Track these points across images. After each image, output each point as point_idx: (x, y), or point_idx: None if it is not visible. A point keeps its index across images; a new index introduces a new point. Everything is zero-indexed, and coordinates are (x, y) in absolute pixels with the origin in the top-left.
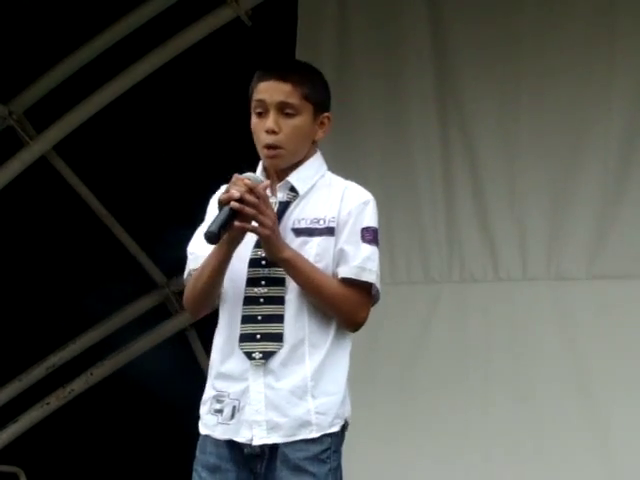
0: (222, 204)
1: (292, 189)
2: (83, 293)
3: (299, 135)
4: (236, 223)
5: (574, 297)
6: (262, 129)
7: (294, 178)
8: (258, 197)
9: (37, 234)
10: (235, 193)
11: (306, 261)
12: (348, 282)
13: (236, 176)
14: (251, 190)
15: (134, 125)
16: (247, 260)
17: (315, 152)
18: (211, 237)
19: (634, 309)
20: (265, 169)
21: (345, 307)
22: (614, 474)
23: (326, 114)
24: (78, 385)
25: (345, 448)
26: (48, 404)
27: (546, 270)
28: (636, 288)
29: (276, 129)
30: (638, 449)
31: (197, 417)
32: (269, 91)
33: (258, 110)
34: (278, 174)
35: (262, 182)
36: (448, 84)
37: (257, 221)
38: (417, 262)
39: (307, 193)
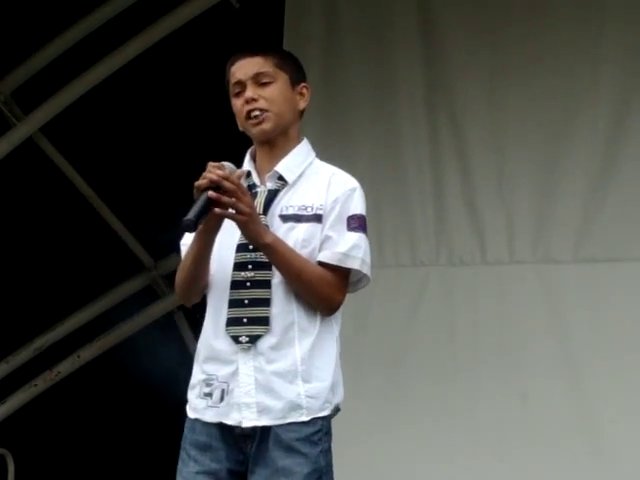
0: (199, 189)
1: (280, 178)
2: (70, 275)
3: (280, 98)
4: (215, 210)
5: (560, 280)
6: (242, 103)
7: (282, 167)
8: (235, 185)
9: (23, 216)
10: (213, 177)
11: (286, 246)
12: (328, 267)
13: (210, 164)
14: (227, 178)
15: (121, 106)
16: (235, 245)
17: (302, 140)
18: (189, 225)
19: (620, 292)
20: (254, 159)
21: (324, 291)
22: (601, 458)
23: (303, 84)
24: (65, 367)
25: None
26: (35, 386)
27: (533, 254)
28: (622, 271)
29: (255, 96)
30: (625, 433)
31: (184, 398)
32: (242, 68)
33: (236, 91)
34: (265, 165)
35: (236, 171)
36: (437, 71)
37: (235, 209)
38: (405, 246)
39: (295, 181)
